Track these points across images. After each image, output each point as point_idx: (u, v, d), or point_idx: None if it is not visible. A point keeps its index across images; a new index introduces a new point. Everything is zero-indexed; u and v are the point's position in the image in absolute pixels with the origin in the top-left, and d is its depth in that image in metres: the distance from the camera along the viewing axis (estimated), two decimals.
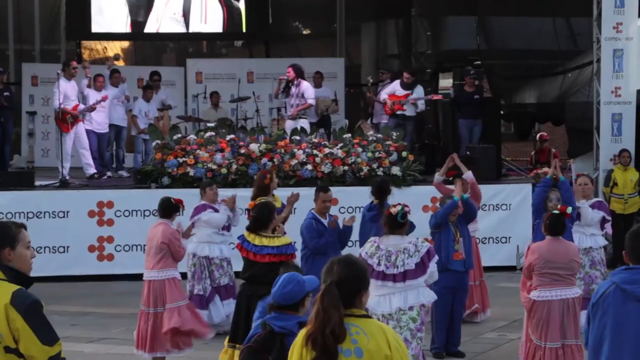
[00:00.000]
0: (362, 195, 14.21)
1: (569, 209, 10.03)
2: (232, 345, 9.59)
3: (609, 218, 12.88)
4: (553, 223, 9.63)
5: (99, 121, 18.94)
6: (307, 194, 15.56)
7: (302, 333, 4.90)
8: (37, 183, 17.39)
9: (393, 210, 9.16)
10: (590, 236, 12.45)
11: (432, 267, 9.02)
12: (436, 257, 9.11)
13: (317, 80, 21.27)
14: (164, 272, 10.95)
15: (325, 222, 11.69)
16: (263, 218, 9.70)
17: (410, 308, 8.94)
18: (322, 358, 4.75)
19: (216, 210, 12.68)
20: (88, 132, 18.71)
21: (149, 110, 20.03)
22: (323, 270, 4.89)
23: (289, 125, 18.06)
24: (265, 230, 9.64)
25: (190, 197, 14.50)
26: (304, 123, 18.02)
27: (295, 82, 18.00)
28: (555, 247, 9.48)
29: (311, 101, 18.22)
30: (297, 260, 11.89)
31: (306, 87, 18.08)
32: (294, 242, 13.40)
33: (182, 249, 11.04)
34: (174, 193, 16.34)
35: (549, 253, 9.43)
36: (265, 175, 12.60)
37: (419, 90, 19.19)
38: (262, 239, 9.57)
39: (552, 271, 9.40)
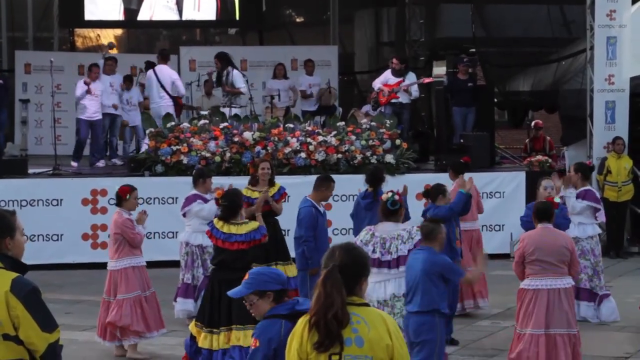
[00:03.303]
0: (355, 183, 14.21)
1: (557, 198, 10.09)
2: (211, 331, 9.67)
3: (598, 207, 12.79)
4: (541, 210, 9.69)
5: (92, 110, 18.89)
6: (300, 181, 15.64)
7: (303, 320, 4.88)
8: (30, 171, 17.37)
9: (384, 197, 9.19)
10: (578, 226, 12.42)
11: None
12: None
13: (309, 68, 21.29)
14: (120, 262, 11.13)
15: (322, 210, 11.71)
16: (234, 206, 9.86)
17: (404, 295, 8.95)
18: (325, 342, 4.73)
19: (206, 201, 12.64)
20: (81, 120, 18.74)
21: (131, 97, 20.06)
22: (324, 256, 4.89)
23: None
24: (234, 218, 9.77)
25: (184, 185, 14.51)
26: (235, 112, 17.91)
27: (225, 72, 17.90)
28: (544, 235, 9.51)
29: (243, 89, 18.08)
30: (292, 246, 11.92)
31: (235, 76, 17.99)
32: (288, 230, 13.50)
33: (138, 235, 11.13)
34: (168, 181, 16.46)
35: (538, 241, 9.46)
36: (250, 164, 12.81)
37: (411, 77, 19.15)
38: (230, 226, 9.73)
39: (541, 259, 9.41)
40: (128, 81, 20.29)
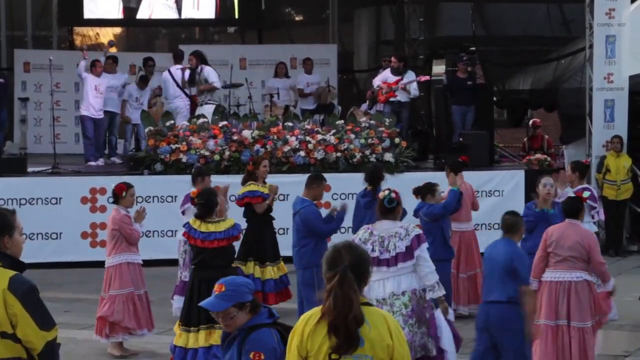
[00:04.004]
0: (354, 182, 14.21)
1: (585, 193, 10.29)
2: (186, 329, 9.70)
3: (595, 205, 12.79)
4: (568, 206, 9.87)
5: (96, 107, 18.88)
6: (299, 180, 15.60)
7: (304, 317, 4.89)
8: (29, 169, 17.36)
9: (381, 195, 9.19)
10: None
11: (421, 251, 8.96)
12: (426, 243, 9.09)
13: (308, 66, 21.28)
14: (116, 258, 11.15)
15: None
16: (211, 204, 9.87)
17: (403, 293, 8.95)
18: (345, 345, 4.72)
19: None
20: (85, 118, 18.73)
21: (140, 96, 20.08)
22: (326, 257, 4.85)
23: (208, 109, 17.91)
24: (210, 217, 9.80)
25: (183, 183, 14.52)
26: (210, 109, 17.77)
27: (198, 70, 17.90)
28: (566, 230, 9.65)
29: (216, 84, 18.06)
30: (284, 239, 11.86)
31: (209, 71, 18.01)
32: (282, 229, 13.50)
33: (135, 232, 11.14)
34: (167, 179, 16.45)
35: (558, 234, 9.62)
36: (250, 161, 12.90)
37: (409, 76, 19.13)
38: (207, 225, 9.74)
39: (556, 252, 9.57)
40: (143, 82, 20.33)
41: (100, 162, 18.96)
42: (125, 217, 11.11)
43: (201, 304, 5.44)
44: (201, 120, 17.17)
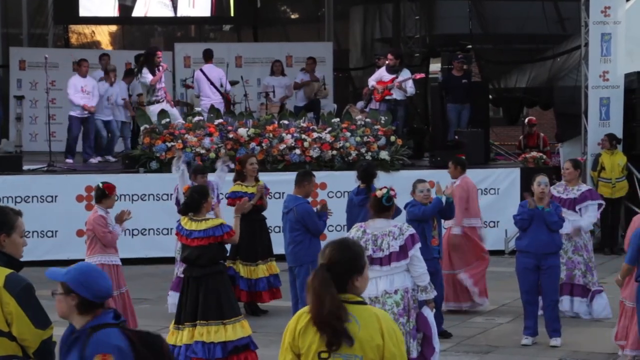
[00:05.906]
0: (350, 180, 14.21)
1: None
2: (177, 327, 9.82)
3: (602, 202, 12.87)
4: None
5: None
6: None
7: (297, 315, 4.88)
8: (25, 167, 17.35)
9: (378, 193, 9.13)
10: (572, 222, 12.43)
11: (415, 251, 8.95)
12: (419, 244, 9.06)
13: (309, 65, 21.25)
14: (91, 259, 10.82)
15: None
16: (193, 202, 9.81)
17: (396, 292, 8.93)
18: (333, 340, 4.69)
19: None
20: (72, 117, 18.76)
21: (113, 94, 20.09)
22: (319, 254, 4.87)
23: (153, 109, 17.74)
24: (197, 214, 9.75)
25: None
26: (154, 107, 17.64)
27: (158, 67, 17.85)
28: None
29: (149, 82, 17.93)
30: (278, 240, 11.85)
31: (146, 72, 17.96)
32: (278, 227, 13.52)
33: (109, 234, 10.83)
34: (162, 177, 16.42)
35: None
36: (237, 161, 12.95)
37: (405, 73, 19.13)
38: (191, 223, 9.71)
39: None
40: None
41: (95, 159, 18.98)
42: (100, 219, 10.83)
43: (46, 272, 5.04)
44: (197, 118, 17.17)
